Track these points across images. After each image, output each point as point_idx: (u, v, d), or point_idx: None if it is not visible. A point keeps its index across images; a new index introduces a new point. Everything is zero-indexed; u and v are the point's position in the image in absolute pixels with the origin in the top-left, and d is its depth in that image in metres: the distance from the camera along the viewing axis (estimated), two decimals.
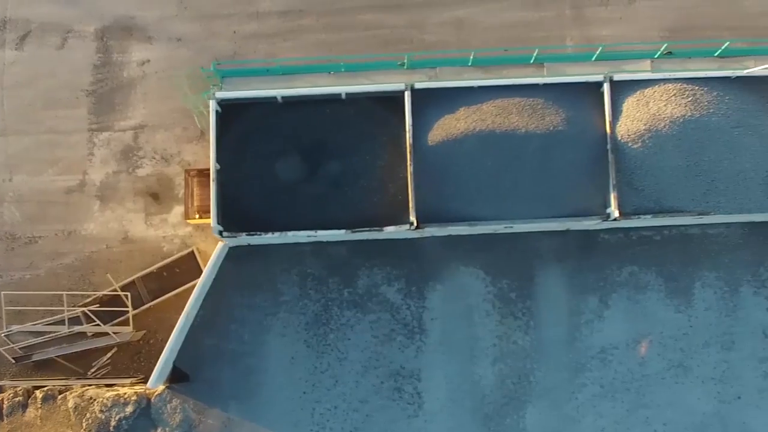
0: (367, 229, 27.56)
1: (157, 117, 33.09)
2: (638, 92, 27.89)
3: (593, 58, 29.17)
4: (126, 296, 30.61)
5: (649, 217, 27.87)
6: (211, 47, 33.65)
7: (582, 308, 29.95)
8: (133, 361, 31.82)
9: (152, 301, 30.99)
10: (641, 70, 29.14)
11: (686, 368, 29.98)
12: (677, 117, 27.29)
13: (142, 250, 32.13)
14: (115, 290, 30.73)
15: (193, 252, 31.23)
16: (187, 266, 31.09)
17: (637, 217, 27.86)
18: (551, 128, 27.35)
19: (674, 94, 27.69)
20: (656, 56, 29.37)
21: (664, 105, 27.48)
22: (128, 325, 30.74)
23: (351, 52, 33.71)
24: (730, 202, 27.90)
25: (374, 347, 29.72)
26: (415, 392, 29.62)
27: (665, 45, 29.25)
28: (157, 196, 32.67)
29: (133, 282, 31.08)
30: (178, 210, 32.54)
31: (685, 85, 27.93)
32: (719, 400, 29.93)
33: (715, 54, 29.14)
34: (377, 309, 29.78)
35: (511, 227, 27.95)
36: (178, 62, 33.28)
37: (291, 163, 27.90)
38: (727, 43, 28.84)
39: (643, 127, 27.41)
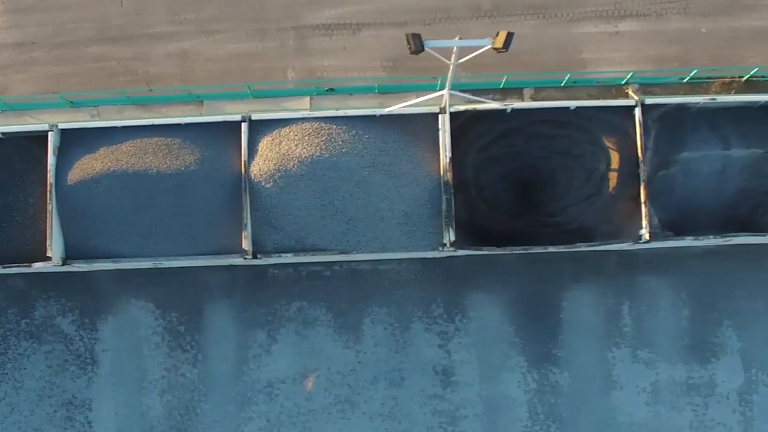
0: (16, 265, 28.36)
1: None
2: (275, 131, 28.03)
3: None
4: None
5: (290, 255, 28.04)
6: None
7: (250, 342, 30.29)
8: None
9: None
10: (298, 108, 29.23)
11: (353, 404, 30.10)
12: (305, 157, 27.39)
13: None
14: None
15: None
16: None
17: (278, 255, 28.05)
18: (183, 168, 27.71)
19: (309, 134, 27.76)
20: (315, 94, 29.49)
21: (295, 145, 27.59)
22: None
23: (79, 84, 34.46)
24: (372, 242, 27.94)
25: (48, 377, 30.55)
26: (86, 421, 30.39)
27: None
28: None
29: None
30: None
31: (322, 124, 27.96)
32: None
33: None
34: (52, 339, 30.60)
35: (165, 262, 28.34)
36: None
37: None
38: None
39: (273, 167, 27.58)
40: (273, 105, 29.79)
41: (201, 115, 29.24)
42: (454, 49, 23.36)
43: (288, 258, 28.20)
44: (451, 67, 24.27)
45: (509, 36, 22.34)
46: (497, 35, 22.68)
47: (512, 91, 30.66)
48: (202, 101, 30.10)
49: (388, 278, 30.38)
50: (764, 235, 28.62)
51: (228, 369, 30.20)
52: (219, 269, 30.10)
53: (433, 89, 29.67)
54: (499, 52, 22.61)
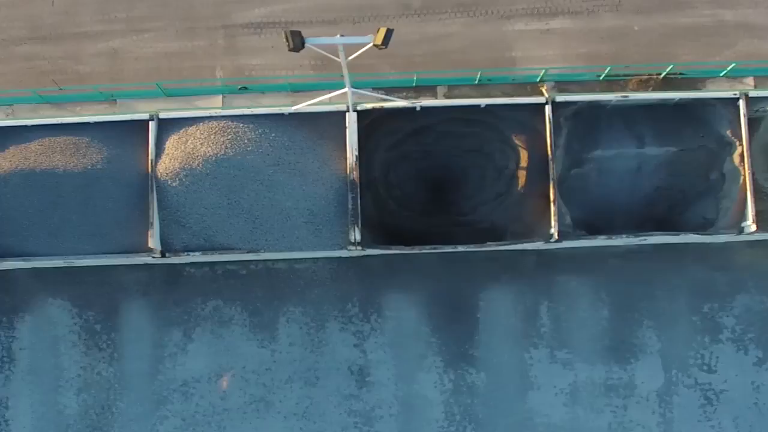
0: None
1: None
2: (182, 130, 27.96)
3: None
4: None
5: (198, 253, 27.97)
6: None
7: (166, 341, 30.23)
8: None
9: None
10: (210, 107, 29.13)
11: (268, 403, 29.99)
12: (210, 155, 27.31)
13: None
14: None
15: None
16: None
17: (186, 254, 27.98)
18: (91, 166, 27.71)
19: (215, 132, 27.67)
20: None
21: (201, 143, 27.51)
22: None
23: (8, 84, 34.50)
24: (279, 240, 27.84)
25: None
26: (2, 420, 30.44)
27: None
28: None
29: None
30: None
31: (229, 123, 27.87)
32: None
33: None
34: None
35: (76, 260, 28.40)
36: None
37: None
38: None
39: (179, 166, 27.51)
40: (185, 104, 29.59)
41: (113, 113, 29.01)
42: (341, 47, 23.10)
43: (197, 257, 28.09)
44: (343, 64, 24.05)
45: (388, 32, 22.12)
46: (377, 32, 22.43)
47: (426, 89, 30.36)
48: (116, 100, 29.96)
49: (303, 277, 30.21)
50: (678, 234, 28.22)
51: (144, 368, 30.15)
52: (135, 268, 30.05)
53: (355, 87, 29.44)
54: (379, 48, 22.32)
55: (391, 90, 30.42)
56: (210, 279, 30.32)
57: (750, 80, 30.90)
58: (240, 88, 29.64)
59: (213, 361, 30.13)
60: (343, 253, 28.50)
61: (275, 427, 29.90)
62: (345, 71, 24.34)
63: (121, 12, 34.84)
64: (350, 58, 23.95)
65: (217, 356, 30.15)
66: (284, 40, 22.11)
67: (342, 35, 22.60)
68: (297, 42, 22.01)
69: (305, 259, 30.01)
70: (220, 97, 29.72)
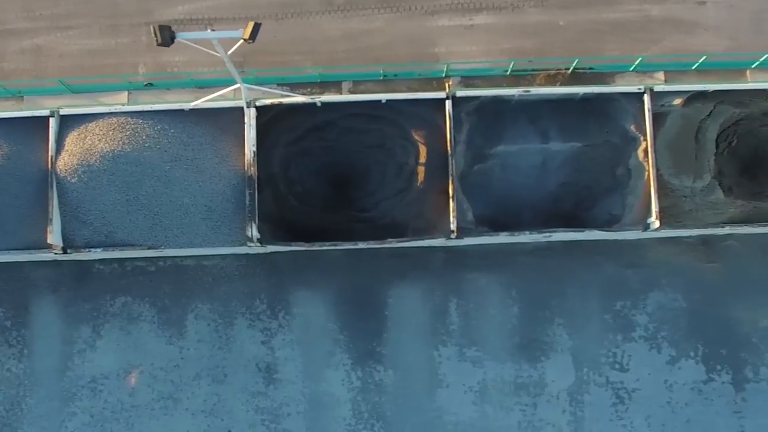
0: None
1: None
2: (83, 126, 27.93)
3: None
4: None
5: (99, 250, 27.96)
6: None
7: (75, 338, 30.22)
8: None
9: None
10: (115, 103, 29.11)
11: (176, 400, 29.91)
12: (107, 152, 27.28)
13: None
14: None
15: None
16: None
17: (87, 250, 27.98)
18: None
19: (114, 128, 27.64)
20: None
21: (99, 140, 27.48)
22: None
23: None
24: (179, 237, 27.78)
25: None
26: None
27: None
28: None
29: None
30: None
31: (129, 119, 27.83)
32: None
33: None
34: None
35: None
36: None
37: None
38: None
39: (77, 162, 27.49)
40: (91, 100, 29.55)
41: (18, 110, 29.03)
42: (215, 41, 22.97)
43: (98, 253, 28.04)
44: (226, 60, 23.90)
45: (256, 26, 22.00)
46: (246, 26, 22.30)
47: (332, 84, 30.19)
48: (23, 96, 29.98)
49: (212, 274, 30.13)
50: (582, 231, 27.90)
51: (53, 364, 30.14)
52: (45, 264, 30.06)
53: (261, 83, 29.43)
54: (247, 42, 22.18)
55: (297, 86, 30.24)
56: (119, 275, 30.28)
57: (661, 75, 30.54)
58: (145, 85, 29.56)
59: (121, 357, 30.08)
60: (250, 250, 28.39)
61: (183, 424, 29.78)
62: (231, 67, 24.21)
63: (45, 9, 34.86)
64: (229, 52, 23.75)
65: (125, 353, 30.10)
66: (152, 35, 21.91)
67: (212, 29, 22.41)
68: (166, 36, 21.91)
69: (213, 255, 29.90)
70: (126, 93, 29.54)
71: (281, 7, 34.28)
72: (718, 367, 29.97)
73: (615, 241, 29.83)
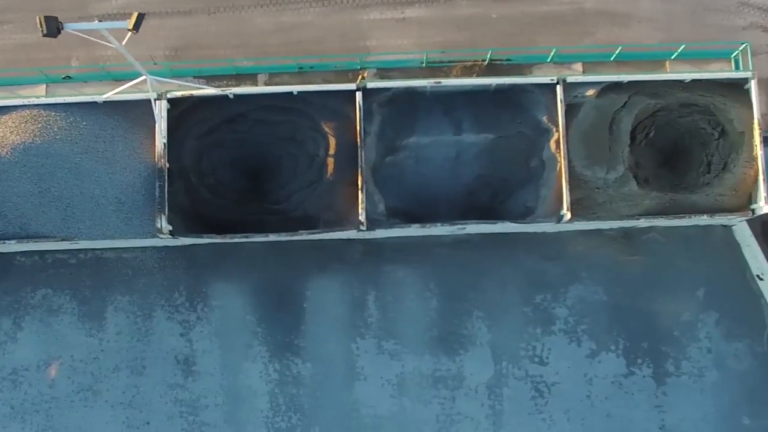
0: None
1: None
2: None
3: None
4: None
5: (13, 242, 28.07)
6: None
7: None
8: None
9: None
10: (33, 96, 29.23)
11: (96, 392, 30.05)
12: (18, 144, 27.37)
13: None
14: None
15: None
16: None
17: (2, 242, 28.08)
18: None
19: (26, 121, 27.74)
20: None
21: (10, 132, 27.60)
22: None
23: None
24: (91, 229, 27.84)
25: None
26: None
27: None
28: None
29: None
30: None
31: (41, 111, 27.91)
32: (128, 425, 29.92)
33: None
34: None
35: None
36: None
37: None
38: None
39: None
40: (9, 93, 29.66)
41: None
42: (105, 31, 23.00)
43: (12, 245, 28.16)
44: (123, 51, 23.94)
45: (139, 17, 22.09)
46: (131, 16, 22.33)
47: (247, 77, 30.17)
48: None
49: (131, 266, 30.22)
50: (495, 223, 27.75)
51: None
52: None
53: (178, 76, 29.48)
54: (131, 32, 22.20)
55: (214, 78, 30.25)
56: (40, 268, 30.41)
57: (579, 66, 30.32)
58: (63, 78, 29.63)
59: (42, 349, 30.24)
60: (163, 242, 28.43)
61: (102, 416, 29.90)
62: (130, 58, 24.25)
63: None
64: (123, 42, 23.77)
65: (45, 345, 30.26)
66: (38, 25, 21.92)
67: (99, 20, 22.42)
68: (52, 27, 21.93)
69: (134, 248, 29.99)
70: (44, 86, 29.63)
71: (214, 1, 34.33)
72: (639, 361, 29.73)
73: (535, 233, 29.66)
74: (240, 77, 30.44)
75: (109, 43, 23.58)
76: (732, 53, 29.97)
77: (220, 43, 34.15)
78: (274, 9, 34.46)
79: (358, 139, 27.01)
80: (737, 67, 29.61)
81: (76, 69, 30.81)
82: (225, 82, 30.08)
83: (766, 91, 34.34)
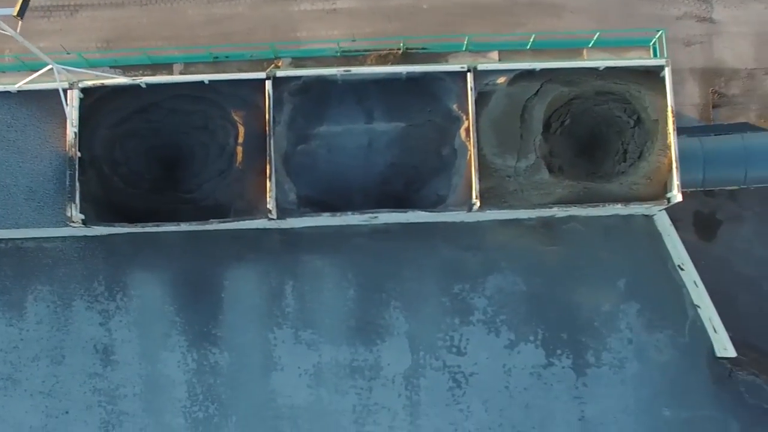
0: None
1: None
2: None
3: None
4: None
5: None
6: None
7: None
8: None
9: None
10: None
11: (15, 381, 30.14)
12: None
13: None
14: None
15: None
16: None
17: None
18: None
19: None
20: None
21: None
22: None
23: None
24: (3, 218, 28.10)
25: None
26: None
27: None
28: None
29: None
30: None
31: None
32: (47, 414, 29.97)
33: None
34: None
35: None
36: None
37: None
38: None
39: None
40: None
41: None
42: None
43: None
44: (20, 39, 24.07)
45: (24, 3, 22.18)
46: (17, 3, 22.46)
47: (163, 66, 30.23)
48: None
49: (51, 256, 30.29)
50: (406, 212, 27.64)
51: None
52: None
53: (93, 66, 29.58)
54: (16, 18, 22.31)
55: (130, 68, 30.33)
56: None
57: (495, 54, 30.17)
58: None
59: None
60: (75, 231, 28.52)
61: (22, 405, 30.01)
62: (33, 48, 24.38)
63: None
64: (18, 30, 23.85)
65: None
66: None
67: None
68: None
69: (54, 237, 30.09)
70: None
71: None
72: (559, 352, 29.52)
73: (454, 223, 29.53)
74: (156, 67, 30.45)
75: (4, 30, 23.62)
76: (650, 41, 29.66)
77: (152, 34, 34.32)
78: (206, 0, 34.55)
79: (267, 128, 26.94)
80: (655, 55, 29.29)
81: None
82: (141, 72, 30.12)
83: (700, 81, 34.19)
